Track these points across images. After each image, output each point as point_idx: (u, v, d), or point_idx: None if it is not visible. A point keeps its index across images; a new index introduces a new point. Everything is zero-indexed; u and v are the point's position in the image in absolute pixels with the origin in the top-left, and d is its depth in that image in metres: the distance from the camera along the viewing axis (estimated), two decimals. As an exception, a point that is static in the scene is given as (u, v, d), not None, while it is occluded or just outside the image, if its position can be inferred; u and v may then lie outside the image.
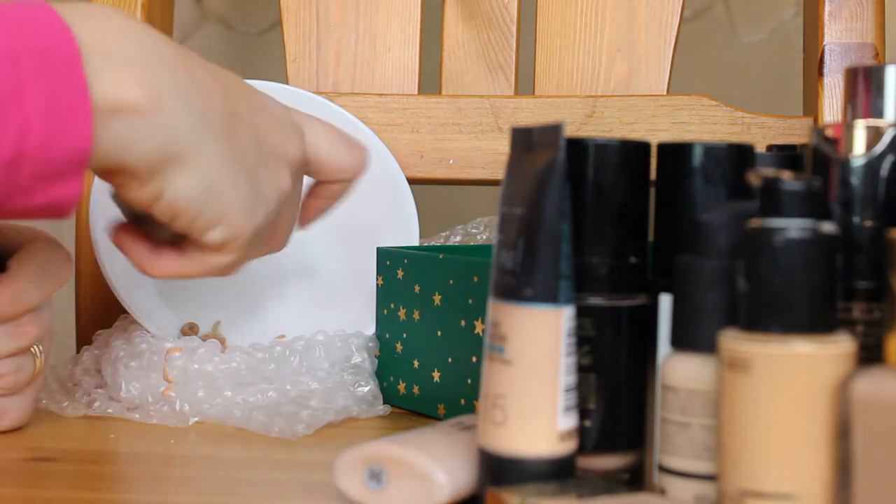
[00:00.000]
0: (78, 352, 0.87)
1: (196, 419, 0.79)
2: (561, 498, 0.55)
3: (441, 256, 0.80)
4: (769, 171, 0.55)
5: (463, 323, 0.78)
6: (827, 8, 0.98)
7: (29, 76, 0.58)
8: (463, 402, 0.78)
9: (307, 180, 0.77)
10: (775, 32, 1.36)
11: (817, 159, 0.59)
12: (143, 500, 0.65)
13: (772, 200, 0.54)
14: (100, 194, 0.85)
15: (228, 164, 0.66)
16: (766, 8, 1.37)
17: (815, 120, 0.98)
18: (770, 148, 0.90)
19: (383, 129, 0.99)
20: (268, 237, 0.73)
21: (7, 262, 0.73)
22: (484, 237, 0.98)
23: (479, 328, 0.77)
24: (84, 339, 0.95)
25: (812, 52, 1.00)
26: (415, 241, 0.92)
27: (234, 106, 0.67)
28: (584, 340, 0.60)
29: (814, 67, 0.99)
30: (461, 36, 1.02)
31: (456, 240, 0.98)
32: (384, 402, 0.83)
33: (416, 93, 1.01)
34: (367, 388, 0.83)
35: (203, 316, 0.90)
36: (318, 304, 0.92)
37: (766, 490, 0.52)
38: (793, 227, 0.53)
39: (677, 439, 0.57)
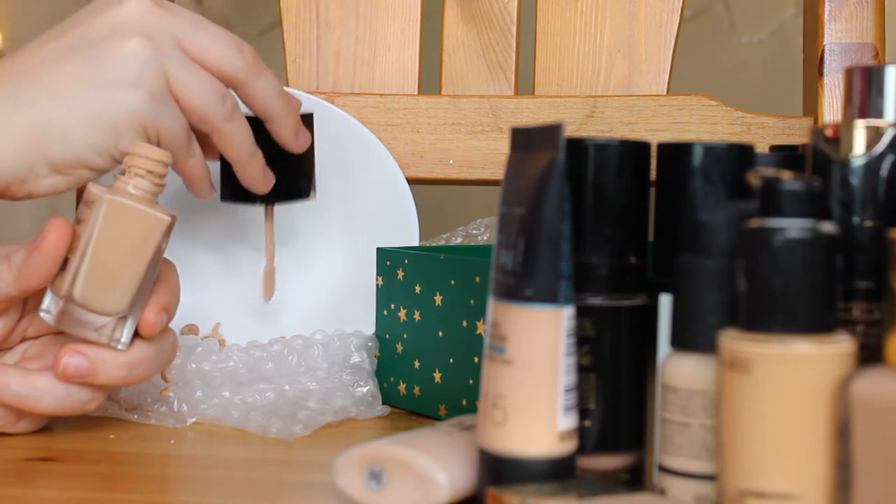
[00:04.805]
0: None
1: (194, 420, 0.79)
2: (561, 498, 0.55)
3: (442, 257, 0.80)
4: (769, 171, 0.55)
5: (465, 323, 0.78)
6: (827, 8, 0.98)
7: None
8: (465, 402, 0.78)
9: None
10: (775, 32, 1.37)
11: (817, 159, 0.59)
12: (142, 500, 0.65)
13: (772, 200, 0.54)
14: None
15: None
16: (766, 8, 1.37)
17: (815, 120, 0.98)
18: (773, 148, 0.90)
19: (383, 129, 1.00)
20: None
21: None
22: (485, 238, 0.98)
23: (480, 329, 0.76)
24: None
25: (812, 52, 1.00)
26: (415, 241, 0.92)
27: None
28: (584, 340, 0.60)
29: (814, 67, 0.99)
30: (461, 36, 1.02)
31: (457, 241, 0.98)
32: (384, 403, 0.83)
33: (416, 93, 1.01)
34: (365, 389, 0.83)
35: (203, 317, 0.90)
36: (318, 305, 0.92)
37: (766, 490, 0.52)
38: (793, 227, 0.53)
39: (677, 439, 0.57)
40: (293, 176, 0.84)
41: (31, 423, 0.74)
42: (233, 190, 0.83)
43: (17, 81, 0.73)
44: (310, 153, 0.85)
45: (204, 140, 0.78)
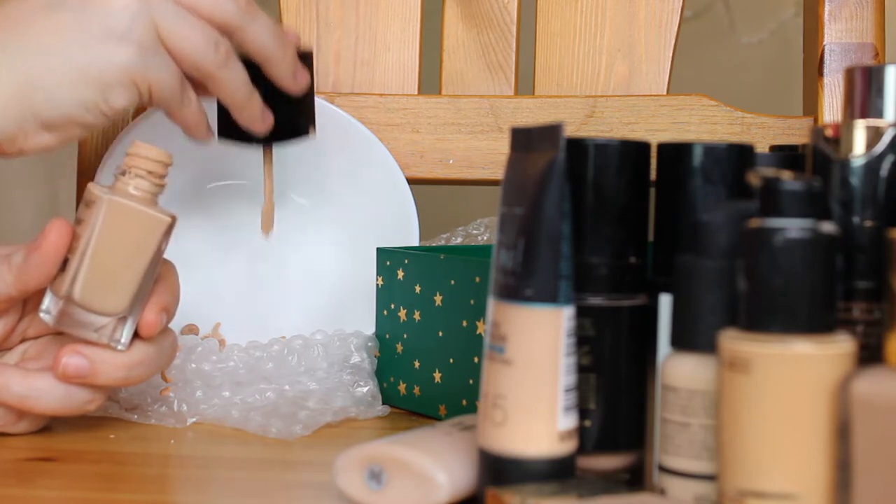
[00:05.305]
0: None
1: (194, 420, 0.79)
2: (561, 498, 0.55)
3: (442, 257, 0.80)
4: (769, 171, 0.55)
5: (465, 323, 0.78)
6: (827, 8, 0.98)
7: None
8: (465, 402, 0.78)
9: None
10: (775, 32, 1.37)
11: (817, 159, 0.59)
12: (142, 500, 0.65)
13: (772, 200, 0.54)
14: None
15: None
16: (766, 8, 1.37)
17: (815, 120, 0.98)
18: (773, 148, 0.90)
19: (383, 129, 0.99)
20: None
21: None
22: (485, 238, 0.98)
23: (480, 329, 0.76)
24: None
25: (812, 52, 1.00)
26: (415, 241, 0.92)
27: None
28: (584, 340, 0.60)
29: (814, 67, 0.99)
30: (461, 36, 1.02)
31: (457, 241, 0.98)
32: (384, 403, 0.83)
33: (416, 93, 1.01)
34: (365, 389, 0.83)
35: (203, 317, 0.90)
36: (318, 306, 0.92)
37: (766, 490, 0.52)
38: (793, 227, 0.53)
39: (677, 439, 0.57)
40: (292, 115, 0.83)
41: (32, 424, 0.74)
42: (230, 130, 0.82)
43: (2, 35, 0.72)
44: (309, 91, 0.83)
45: (199, 81, 0.77)
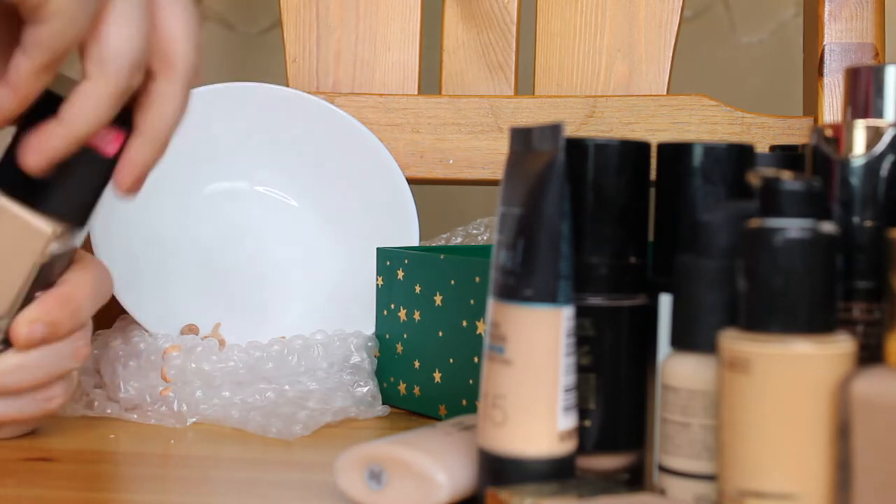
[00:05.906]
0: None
1: (194, 420, 0.79)
2: (561, 498, 0.55)
3: (442, 257, 0.80)
4: (769, 171, 0.55)
5: (465, 323, 0.78)
6: (827, 8, 0.98)
7: None
8: (464, 402, 0.78)
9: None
10: (775, 32, 1.37)
11: (817, 159, 0.59)
12: (142, 500, 0.65)
13: (772, 200, 0.54)
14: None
15: None
16: (766, 8, 1.37)
17: (815, 120, 0.98)
18: (773, 148, 0.90)
19: (383, 129, 1.00)
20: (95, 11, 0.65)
21: (62, 276, 0.70)
22: (485, 238, 0.98)
23: (480, 328, 0.76)
24: (84, 339, 0.95)
25: (812, 52, 1.00)
26: (415, 241, 0.92)
27: None
28: (584, 340, 0.60)
29: (814, 67, 0.99)
30: (461, 36, 1.02)
31: (457, 241, 0.98)
32: (384, 403, 0.83)
33: (416, 93, 1.01)
34: (365, 389, 0.83)
35: (203, 317, 0.90)
36: (318, 306, 0.92)
37: (766, 490, 0.52)
38: (793, 227, 0.53)
39: (677, 439, 0.57)
40: None
41: (13, 429, 0.73)
42: None
43: None
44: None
45: None
